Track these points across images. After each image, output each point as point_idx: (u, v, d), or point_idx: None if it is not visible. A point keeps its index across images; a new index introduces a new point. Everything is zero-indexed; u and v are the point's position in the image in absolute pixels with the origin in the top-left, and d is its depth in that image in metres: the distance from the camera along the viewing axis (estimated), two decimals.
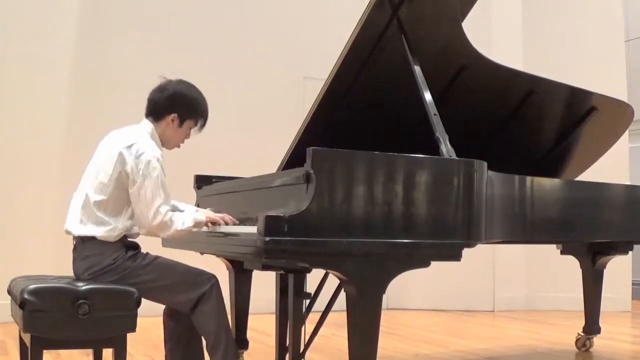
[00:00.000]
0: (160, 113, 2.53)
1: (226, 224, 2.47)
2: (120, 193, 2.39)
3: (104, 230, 2.38)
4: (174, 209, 2.57)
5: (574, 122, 3.55)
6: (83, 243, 2.41)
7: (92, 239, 2.38)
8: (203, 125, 2.61)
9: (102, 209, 2.39)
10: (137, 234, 2.49)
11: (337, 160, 2.11)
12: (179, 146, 2.64)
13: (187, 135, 2.61)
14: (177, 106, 2.52)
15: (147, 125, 2.53)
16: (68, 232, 2.47)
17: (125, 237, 2.43)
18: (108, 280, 2.36)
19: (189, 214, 2.47)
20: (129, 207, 2.41)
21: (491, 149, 3.25)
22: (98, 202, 2.39)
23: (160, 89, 2.55)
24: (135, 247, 2.48)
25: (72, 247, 2.47)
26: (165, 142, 2.57)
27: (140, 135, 2.45)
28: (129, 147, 2.38)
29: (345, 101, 2.94)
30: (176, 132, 2.56)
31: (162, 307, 2.60)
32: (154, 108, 2.54)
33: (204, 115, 2.58)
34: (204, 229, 2.52)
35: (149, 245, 2.56)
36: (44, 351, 2.23)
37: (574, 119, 3.55)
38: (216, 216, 2.48)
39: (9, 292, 2.42)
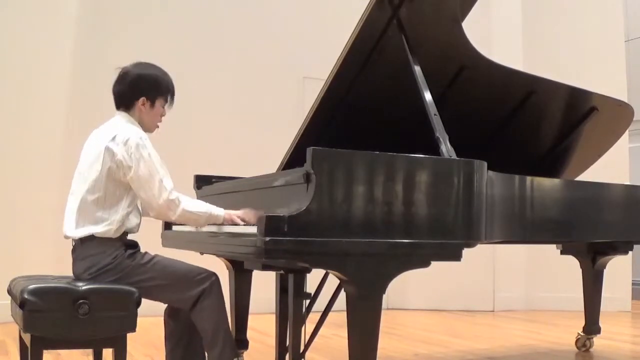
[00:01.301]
0: (129, 101, 2.53)
1: (248, 220, 2.43)
2: (115, 186, 2.39)
3: (102, 226, 2.37)
4: None
5: (574, 122, 3.55)
6: (82, 244, 2.40)
7: (91, 238, 2.38)
8: (172, 99, 2.60)
9: (99, 205, 2.39)
10: (137, 226, 2.49)
11: (337, 160, 2.11)
12: (157, 126, 2.62)
13: (163, 114, 2.60)
14: (142, 89, 2.52)
15: (123, 115, 2.54)
16: (67, 237, 2.47)
17: (125, 234, 2.43)
18: (108, 279, 2.35)
19: (203, 203, 2.48)
20: (126, 199, 2.41)
21: (491, 148, 3.25)
22: (95, 200, 2.39)
23: (120, 79, 2.55)
24: (135, 245, 2.48)
25: (71, 247, 2.47)
26: (144, 127, 2.56)
27: (120, 126, 2.47)
28: (113, 138, 2.39)
29: (345, 101, 2.94)
30: (150, 114, 2.56)
31: (162, 307, 2.60)
32: (121, 99, 2.55)
33: (169, 89, 2.58)
34: (211, 228, 2.52)
35: (149, 245, 2.56)
36: (44, 351, 2.23)
37: (574, 119, 3.55)
38: (237, 218, 2.44)
39: (9, 292, 2.42)
